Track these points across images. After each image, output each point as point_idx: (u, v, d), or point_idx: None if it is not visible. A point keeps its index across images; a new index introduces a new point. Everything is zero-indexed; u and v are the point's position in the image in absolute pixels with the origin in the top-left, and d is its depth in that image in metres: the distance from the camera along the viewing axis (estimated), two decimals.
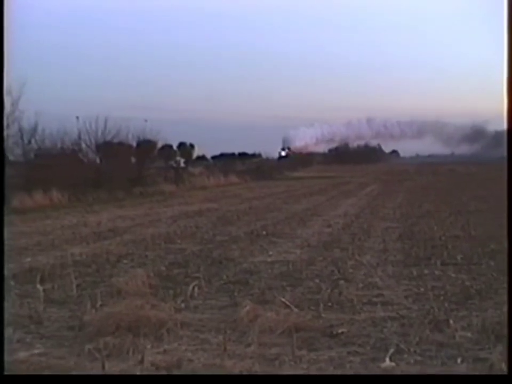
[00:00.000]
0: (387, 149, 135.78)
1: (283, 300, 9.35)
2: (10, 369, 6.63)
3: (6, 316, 8.80)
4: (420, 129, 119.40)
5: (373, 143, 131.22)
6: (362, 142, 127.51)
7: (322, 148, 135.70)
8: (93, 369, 6.66)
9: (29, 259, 14.14)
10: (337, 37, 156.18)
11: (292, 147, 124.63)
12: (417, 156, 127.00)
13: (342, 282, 10.90)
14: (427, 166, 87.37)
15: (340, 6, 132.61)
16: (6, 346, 7.55)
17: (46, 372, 6.64)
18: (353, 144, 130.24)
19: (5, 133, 33.31)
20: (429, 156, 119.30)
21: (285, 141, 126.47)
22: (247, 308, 8.72)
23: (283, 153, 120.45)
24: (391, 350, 7.08)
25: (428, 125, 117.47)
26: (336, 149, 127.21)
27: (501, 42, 5.08)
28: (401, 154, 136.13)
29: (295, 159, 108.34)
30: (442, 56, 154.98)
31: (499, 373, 6.14)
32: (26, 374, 6.63)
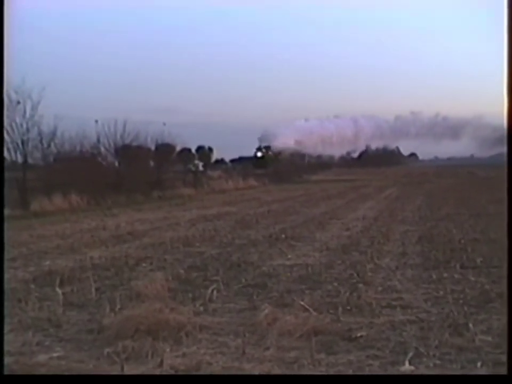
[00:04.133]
0: (407, 151, 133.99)
1: (302, 303, 9.33)
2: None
3: (26, 318, 8.89)
4: (460, 129, 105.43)
5: (411, 144, 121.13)
6: (382, 144, 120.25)
7: (338, 150, 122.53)
8: (112, 372, 6.67)
9: (48, 262, 14.20)
10: (348, 38, 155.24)
11: (278, 145, 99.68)
12: (436, 158, 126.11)
13: (361, 285, 10.87)
14: (446, 169, 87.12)
15: (342, 7, 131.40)
16: (26, 349, 7.63)
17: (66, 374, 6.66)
18: (377, 144, 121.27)
19: (25, 136, 33.59)
20: (448, 159, 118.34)
21: (262, 138, 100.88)
22: (266, 311, 8.72)
23: (259, 154, 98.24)
24: (410, 354, 7.06)
25: (468, 124, 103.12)
26: (355, 151, 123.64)
27: None
28: (420, 157, 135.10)
29: (273, 161, 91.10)
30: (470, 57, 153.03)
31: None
32: (26, 374, 6.66)
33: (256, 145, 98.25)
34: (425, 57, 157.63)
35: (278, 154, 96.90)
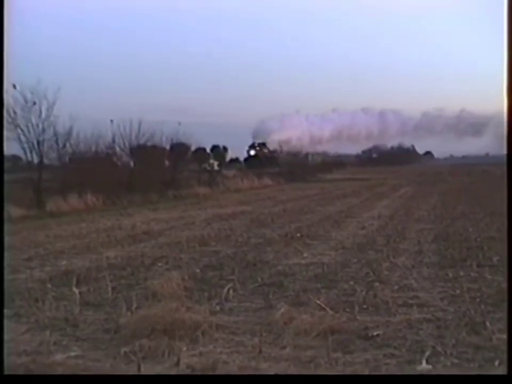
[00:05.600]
0: (422, 149, 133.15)
1: (318, 302, 9.33)
2: (30, 369, 6.74)
3: (43, 318, 8.93)
4: (482, 126, 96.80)
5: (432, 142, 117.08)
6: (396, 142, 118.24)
7: (363, 145, 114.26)
8: (129, 371, 6.69)
9: (65, 262, 14.25)
10: (359, 40, 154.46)
11: (273, 142, 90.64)
12: (451, 156, 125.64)
13: (377, 284, 10.85)
14: (461, 167, 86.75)
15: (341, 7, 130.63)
16: (43, 348, 7.66)
17: (84, 374, 6.68)
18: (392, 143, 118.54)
19: (41, 137, 33.74)
20: (463, 157, 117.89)
21: (256, 134, 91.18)
22: (282, 310, 8.72)
23: (252, 153, 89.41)
24: (427, 353, 7.04)
25: (490, 121, 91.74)
26: (370, 150, 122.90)
27: None
28: (436, 155, 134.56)
29: (269, 160, 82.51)
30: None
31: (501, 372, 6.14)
32: (26, 374, 6.69)
33: (260, 143, 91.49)
34: (447, 54, 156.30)
35: (274, 152, 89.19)
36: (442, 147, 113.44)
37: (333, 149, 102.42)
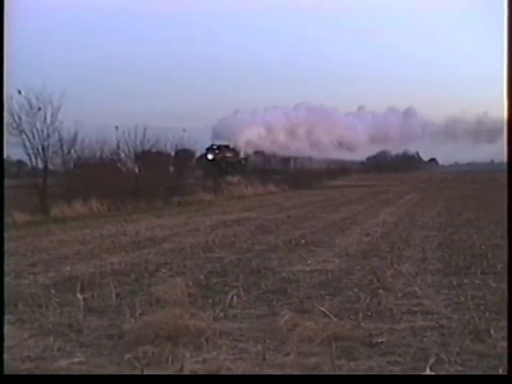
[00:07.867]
0: (426, 156, 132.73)
1: (322, 309, 9.31)
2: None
3: (47, 324, 8.93)
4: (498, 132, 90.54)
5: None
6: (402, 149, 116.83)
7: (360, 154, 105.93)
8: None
9: (68, 268, 14.23)
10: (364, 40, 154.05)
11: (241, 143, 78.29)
12: (456, 164, 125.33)
13: (381, 291, 10.83)
14: (466, 174, 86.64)
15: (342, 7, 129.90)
16: (47, 354, 7.65)
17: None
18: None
19: (46, 142, 33.80)
20: (468, 164, 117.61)
21: (217, 133, 76.86)
22: (286, 317, 8.70)
23: (210, 157, 71.02)
24: (431, 360, 7.02)
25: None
26: (374, 157, 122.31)
27: None
28: (440, 162, 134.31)
29: (232, 166, 72.81)
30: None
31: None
32: (26, 374, 6.70)
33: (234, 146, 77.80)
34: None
35: (240, 156, 77.93)
36: (463, 153, 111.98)
37: (337, 155, 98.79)
